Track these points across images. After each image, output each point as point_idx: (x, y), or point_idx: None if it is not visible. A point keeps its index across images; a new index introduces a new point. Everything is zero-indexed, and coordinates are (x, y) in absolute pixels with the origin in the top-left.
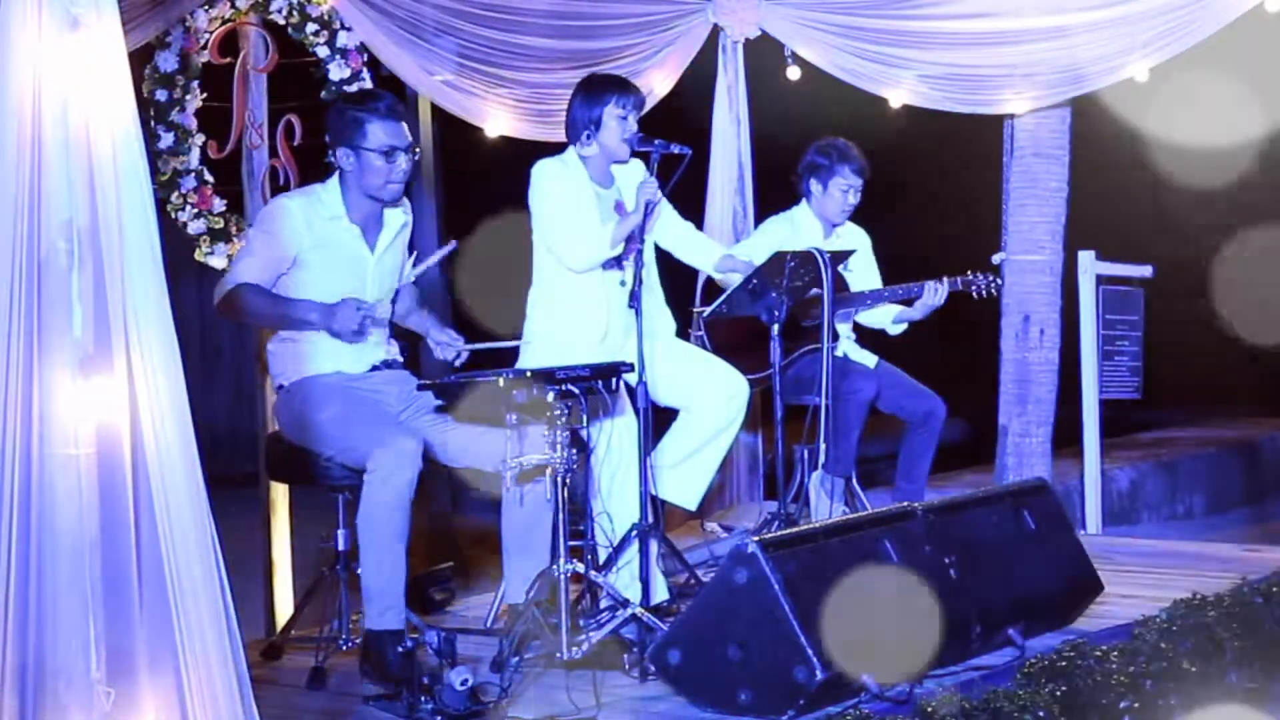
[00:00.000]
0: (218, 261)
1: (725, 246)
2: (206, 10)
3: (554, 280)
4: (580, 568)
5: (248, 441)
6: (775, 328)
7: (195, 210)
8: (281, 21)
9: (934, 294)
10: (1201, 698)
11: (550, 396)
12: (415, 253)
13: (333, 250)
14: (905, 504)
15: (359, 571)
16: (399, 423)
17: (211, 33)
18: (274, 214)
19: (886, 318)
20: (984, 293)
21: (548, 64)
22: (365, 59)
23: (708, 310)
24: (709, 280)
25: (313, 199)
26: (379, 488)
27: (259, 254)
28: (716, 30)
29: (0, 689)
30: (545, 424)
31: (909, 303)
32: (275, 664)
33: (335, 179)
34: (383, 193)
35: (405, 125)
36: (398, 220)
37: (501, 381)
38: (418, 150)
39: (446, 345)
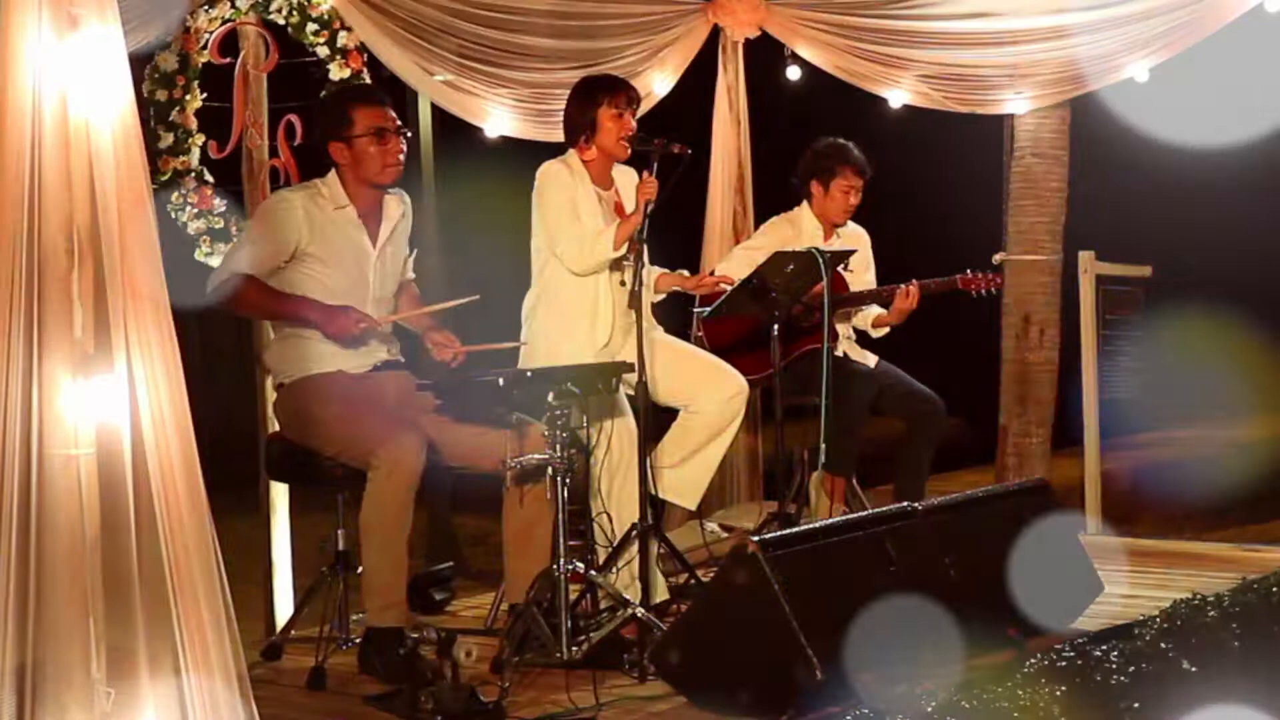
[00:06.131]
0: (218, 261)
1: (728, 247)
2: (206, 10)
3: (555, 281)
4: (580, 568)
5: (248, 441)
6: (775, 328)
7: (195, 210)
8: (281, 21)
9: (904, 298)
10: (1202, 698)
11: (550, 397)
12: (414, 251)
13: (334, 244)
14: (905, 504)
15: (359, 571)
16: (401, 419)
17: (211, 33)
18: (274, 206)
19: (867, 321)
20: (984, 292)
21: (548, 64)
22: (365, 59)
23: (708, 310)
24: None
25: (313, 192)
26: (383, 483)
27: (257, 244)
28: (716, 30)
29: (0, 689)
30: (545, 424)
31: (886, 306)
32: (275, 664)
33: (334, 173)
34: (382, 177)
35: (389, 109)
36: (396, 211)
37: (501, 381)
38: (408, 132)
39: (443, 346)
